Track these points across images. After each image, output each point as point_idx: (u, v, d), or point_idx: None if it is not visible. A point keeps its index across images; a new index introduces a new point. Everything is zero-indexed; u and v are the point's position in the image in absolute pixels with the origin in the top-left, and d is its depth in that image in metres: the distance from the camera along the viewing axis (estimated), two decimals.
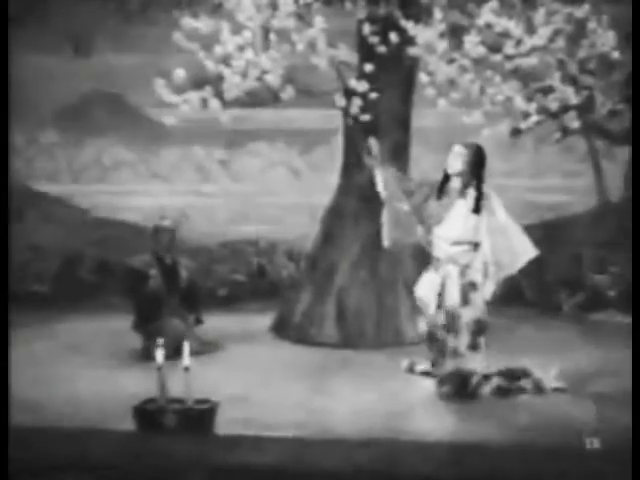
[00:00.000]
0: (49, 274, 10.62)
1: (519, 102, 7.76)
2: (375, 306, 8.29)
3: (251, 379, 7.05)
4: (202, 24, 7.73)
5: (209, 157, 11.18)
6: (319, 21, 7.65)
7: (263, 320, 8.88)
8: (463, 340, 6.60)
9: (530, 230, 10.18)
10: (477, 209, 6.54)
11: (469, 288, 6.60)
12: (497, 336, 8.37)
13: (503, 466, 5.03)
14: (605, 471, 4.93)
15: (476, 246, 6.60)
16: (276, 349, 8.18)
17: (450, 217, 6.62)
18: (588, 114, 8.75)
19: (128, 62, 10.56)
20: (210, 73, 7.67)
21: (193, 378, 5.52)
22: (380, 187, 6.85)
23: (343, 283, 8.41)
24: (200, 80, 7.79)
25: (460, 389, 6.57)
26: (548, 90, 7.91)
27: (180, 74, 7.56)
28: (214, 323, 8.36)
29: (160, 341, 5.65)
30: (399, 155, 8.33)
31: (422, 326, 6.92)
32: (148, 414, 5.56)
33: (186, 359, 5.53)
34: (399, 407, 6.41)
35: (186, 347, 5.60)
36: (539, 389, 6.65)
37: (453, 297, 6.62)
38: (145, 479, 5.05)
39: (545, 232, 10.34)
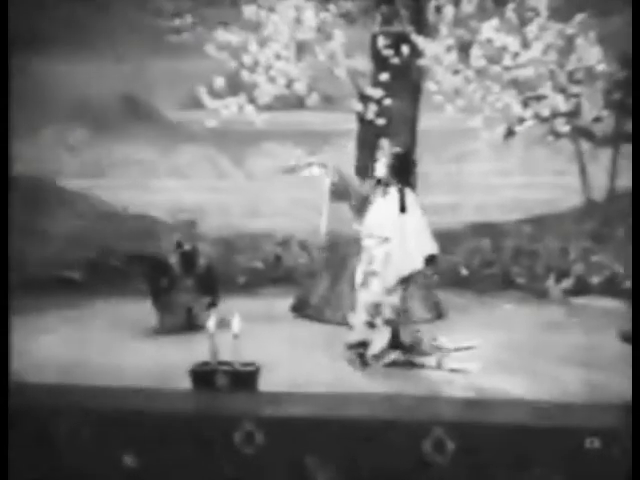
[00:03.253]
0: (83, 263, 11.21)
1: (516, 108, 8.37)
2: None
3: (279, 349, 7.68)
4: (234, 36, 8.34)
5: (224, 156, 11.82)
6: (338, 35, 8.29)
7: (281, 303, 9.52)
8: (360, 317, 7.26)
9: (521, 224, 11.22)
10: (402, 209, 7.13)
11: (370, 274, 7.23)
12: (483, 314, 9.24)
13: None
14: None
15: (385, 240, 7.16)
16: (297, 327, 8.85)
17: (369, 214, 7.31)
18: (575, 119, 9.32)
19: (156, 67, 11.05)
20: (244, 80, 8.30)
21: (226, 348, 6.26)
22: (327, 185, 7.44)
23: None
24: (235, 86, 8.42)
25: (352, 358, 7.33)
26: (541, 98, 8.49)
27: (219, 82, 8.21)
28: (236, 306, 9.01)
29: (214, 311, 6.47)
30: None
31: None
32: (202, 375, 6.28)
33: (235, 327, 6.26)
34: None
35: (236, 318, 6.32)
36: (439, 367, 7.21)
37: (357, 280, 7.35)
38: (202, 429, 5.74)
39: (535, 226, 11.15)
